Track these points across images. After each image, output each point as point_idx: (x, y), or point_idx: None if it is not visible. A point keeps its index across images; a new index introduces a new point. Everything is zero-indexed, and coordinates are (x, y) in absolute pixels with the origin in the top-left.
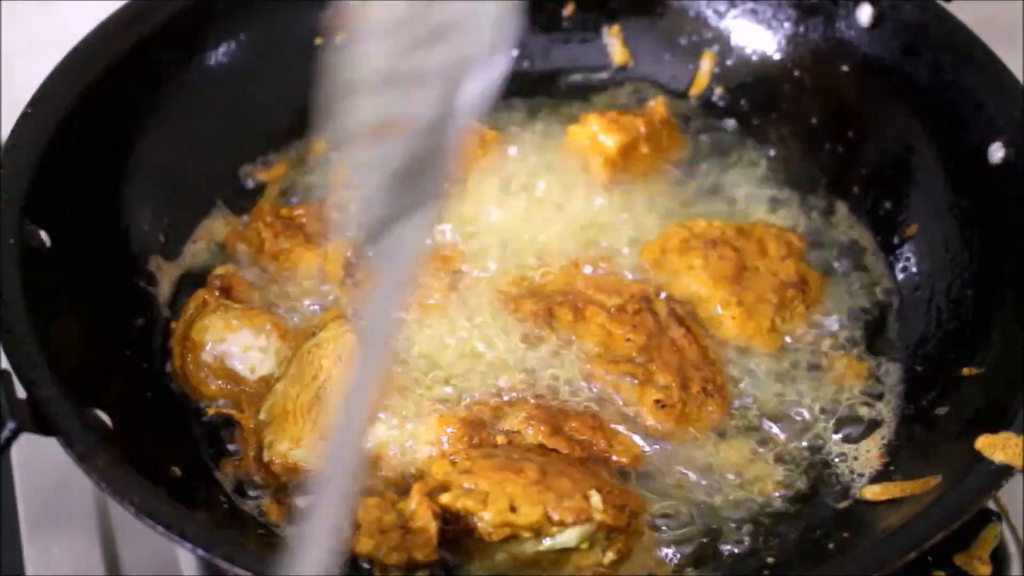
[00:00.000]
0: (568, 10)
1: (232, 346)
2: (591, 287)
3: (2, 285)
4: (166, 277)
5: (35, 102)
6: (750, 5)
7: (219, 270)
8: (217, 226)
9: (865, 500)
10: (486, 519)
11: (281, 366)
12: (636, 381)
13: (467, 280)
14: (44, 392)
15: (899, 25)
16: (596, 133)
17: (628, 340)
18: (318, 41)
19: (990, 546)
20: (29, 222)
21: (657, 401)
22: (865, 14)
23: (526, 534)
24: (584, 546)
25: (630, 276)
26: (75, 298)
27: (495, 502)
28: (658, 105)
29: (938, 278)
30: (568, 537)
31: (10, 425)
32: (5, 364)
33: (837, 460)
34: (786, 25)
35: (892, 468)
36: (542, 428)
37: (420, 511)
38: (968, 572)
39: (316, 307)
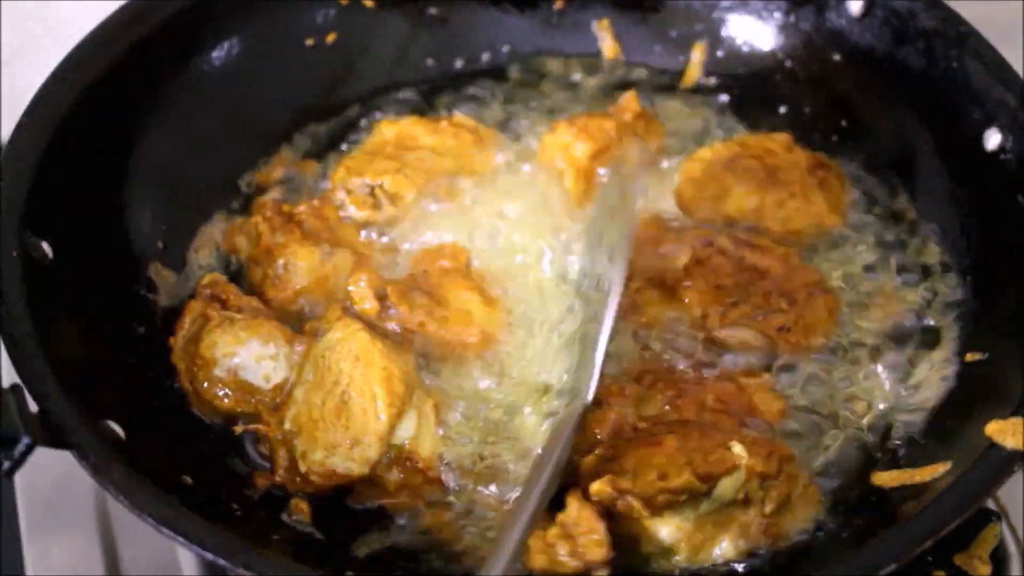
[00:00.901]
0: (558, 4)
1: (244, 359)
2: (652, 257)
3: (6, 299)
4: (165, 284)
5: (31, 109)
6: None
7: (206, 279)
8: (216, 231)
9: (877, 487)
10: (639, 492)
11: (294, 371)
12: (749, 322)
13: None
14: (56, 406)
15: (890, 13)
16: (568, 144)
17: (719, 287)
18: (308, 42)
19: (990, 546)
20: (30, 233)
21: (780, 328)
22: (856, 3)
23: (681, 498)
24: (740, 497)
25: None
26: (77, 307)
27: (643, 475)
28: (628, 101)
29: (938, 264)
30: (723, 490)
31: (25, 440)
32: (10, 378)
33: (846, 445)
34: (777, 15)
35: (900, 454)
36: (688, 409)
37: (583, 516)
38: (968, 572)
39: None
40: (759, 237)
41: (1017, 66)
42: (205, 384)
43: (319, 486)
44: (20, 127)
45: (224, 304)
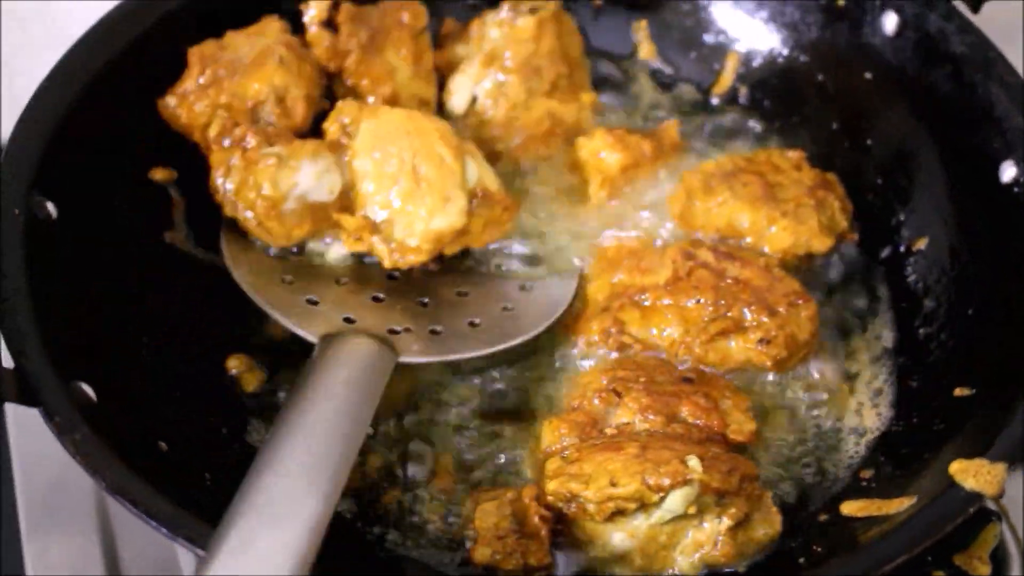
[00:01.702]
0: (597, 2)
1: (305, 183)
2: (634, 272)
3: (3, 255)
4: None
5: (53, 76)
6: (777, 7)
7: (215, 129)
8: None
9: (844, 515)
10: (589, 496)
11: (347, 173)
12: (731, 335)
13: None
14: (31, 363)
15: (922, 34)
16: (600, 149)
17: (699, 302)
18: None
19: (990, 546)
20: (37, 193)
21: (761, 340)
22: (890, 22)
23: (631, 506)
24: (692, 511)
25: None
26: (74, 269)
27: (596, 480)
28: (671, 128)
29: (942, 293)
30: (673, 503)
31: None
32: None
33: (824, 470)
34: (812, 29)
35: (874, 485)
36: (657, 419)
37: (529, 519)
38: (968, 572)
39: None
40: (742, 249)
41: (1017, 65)
42: (280, 222)
43: (428, 252)
44: (41, 90)
45: (243, 142)
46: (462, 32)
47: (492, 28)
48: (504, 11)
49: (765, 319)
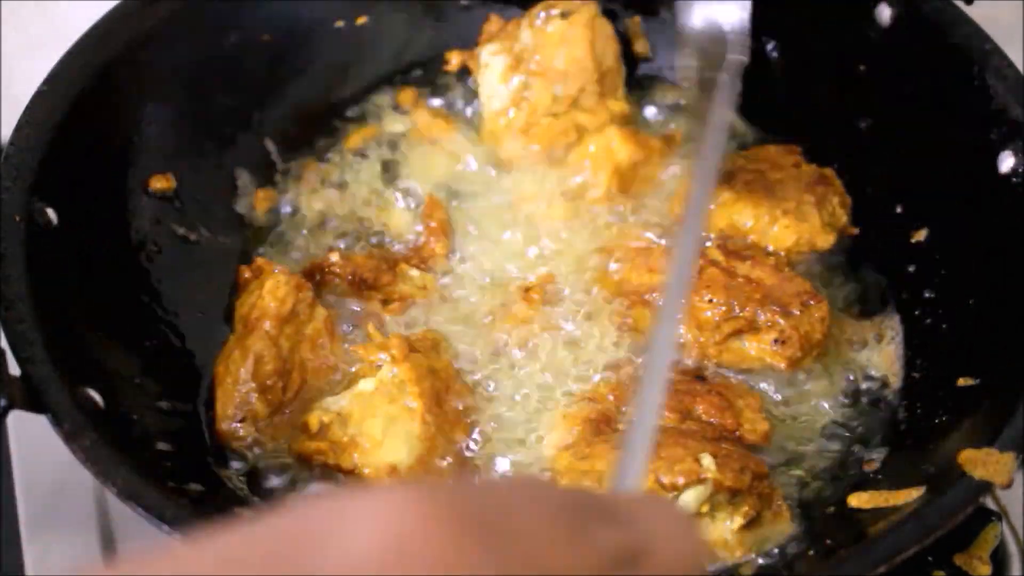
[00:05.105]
0: None
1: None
2: (642, 271)
3: (5, 261)
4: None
5: (50, 79)
6: (770, 1)
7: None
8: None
9: (851, 507)
10: None
11: None
12: (744, 335)
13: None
14: (38, 370)
15: (917, 26)
16: (611, 143)
17: (711, 301)
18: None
19: (990, 546)
20: (37, 199)
21: (775, 340)
22: (884, 14)
23: None
24: (704, 509)
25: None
26: (75, 275)
27: (609, 479)
28: (678, 135)
29: (942, 284)
30: (687, 502)
31: (1, 402)
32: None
33: (829, 464)
34: (805, 22)
35: (880, 476)
36: (672, 416)
37: None
38: (968, 572)
39: None
40: (749, 248)
41: (1018, 65)
42: None
43: None
44: (36, 97)
45: None
46: (500, 30)
47: (525, 30)
48: (539, 13)
49: (780, 320)
